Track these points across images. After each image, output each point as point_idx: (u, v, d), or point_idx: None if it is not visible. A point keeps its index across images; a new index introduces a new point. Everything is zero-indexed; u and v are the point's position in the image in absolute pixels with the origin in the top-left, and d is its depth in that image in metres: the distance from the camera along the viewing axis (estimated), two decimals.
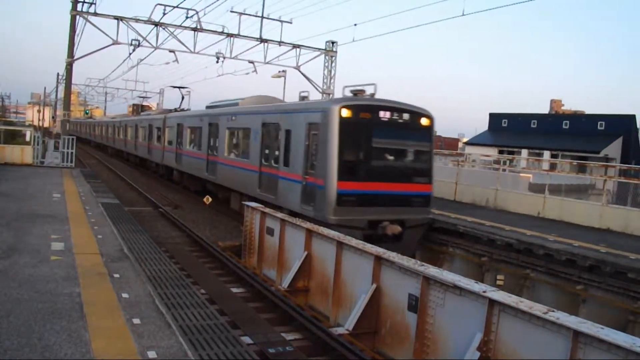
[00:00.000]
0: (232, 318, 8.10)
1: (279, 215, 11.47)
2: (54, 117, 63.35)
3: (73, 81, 26.76)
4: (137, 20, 24.44)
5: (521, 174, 20.01)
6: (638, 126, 46.25)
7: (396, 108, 12.35)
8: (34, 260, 7.31)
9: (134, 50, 25.34)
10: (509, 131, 51.10)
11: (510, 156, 33.74)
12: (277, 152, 14.23)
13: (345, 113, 11.70)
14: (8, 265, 7.01)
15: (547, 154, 42.85)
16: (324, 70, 28.87)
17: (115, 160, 40.95)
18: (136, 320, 5.40)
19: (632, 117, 46.07)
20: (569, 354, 5.27)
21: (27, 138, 22.88)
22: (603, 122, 45.43)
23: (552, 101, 72.54)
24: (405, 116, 12.42)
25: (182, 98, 30.07)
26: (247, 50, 27.50)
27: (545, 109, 70.25)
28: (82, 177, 18.88)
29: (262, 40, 26.76)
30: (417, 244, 13.03)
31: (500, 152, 45.20)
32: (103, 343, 4.81)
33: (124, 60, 28.31)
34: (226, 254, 12.34)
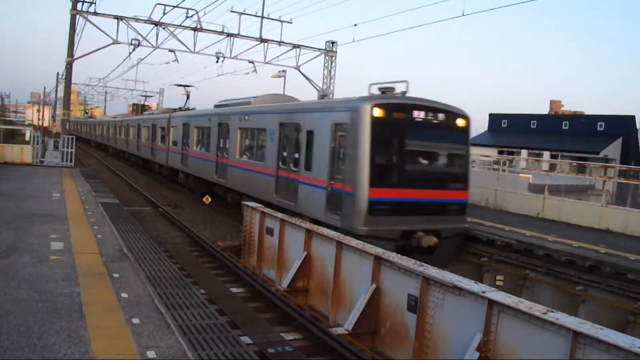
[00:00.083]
0: (232, 318, 8.09)
1: (279, 215, 11.45)
2: (53, 117, 63.35)
3: (73, 80, 26.79)
4: (137, 19, 24.43)
5: (521, 175, 20.01)
6: (638, 127, 46.27)
7: (431, 107, 11.38)
8: (34, 260, 7.31)
9: (133, 49, 25.34)
10: (509, 131, 51.08)
11: (510, 156, 33.74)
12: (296, 155, 13.26)
13: (377, 112, 10.70)
14: (7, 264, 7.01)
15: (546, 155, 42.86)
16: (323, 70, 28.87)
17: (116, 160, 40.89)
18: (135, 320, 5.40)
19: (632, 118, 46.08)
20: (569, 354, 5.27)
21: (27, 137, 22.86)
22: (603, 123, 45.43)
23: (552, 102, 72.49)
24: (441, 116, 11.44)
25: (187, 97, 29.31)
26: (247, 50, 27.53)
27: (545, 110, 70.25)
28: (82, 177, 18.88)
29: (262, 40, 26.76)
30: (452, 256, 12.03)
31: (500, 152, 45.16)
32: (102, 343, 4.81)
33: (124, 59, 28.32)
34: (226, 254, 12.33)
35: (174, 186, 25.07)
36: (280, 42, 27.35)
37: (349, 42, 29.69)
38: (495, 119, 54.10)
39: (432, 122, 11.36)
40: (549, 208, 15.67)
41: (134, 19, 24.35)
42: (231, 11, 25.79)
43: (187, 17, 24.45)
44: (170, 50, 26.40)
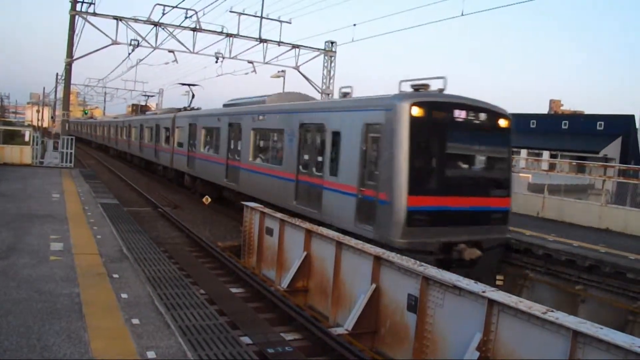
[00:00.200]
0: (232, 318, 8.09)
1: (278, 215, 11.44)
2: (53, 117, 63.33)
3: (72, 81, 26.80)
4: (136, 20, 24.44)
5: (520, 174, 20.00)
6: (637, 126, 46.28)
7: (473, 106, 10.48)
8: (33, 261, 7.30)
9: (133, 50, 25.35)
10: None
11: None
12: (320, 158, 12.25)
13: (416, 111, 9.75)
14: (7, 265, 7.00)
15: (546, 154, 42.87)
16: (323, 70, 28.88)
17: (116, 161, 40.83)
18: (135, 321, 5.40)
19: (631, 117, 46.10)
20: (568, 353, 5.28)
21: (26, 138, 22.86)
22: (602, 122, 45.46)
23: (552, 101, 72.58)
24: (482, 116, 10.55)
25: (192, 96, 28.50)
26: (247, 50, 27.54)
27: (544, 109, 70.29)
28: (82, 178, 18.87)
29: (261, 40, 26.76)
30: (493, 269, 11.12)
31: None
32: (102, 343, 4.81)
33: (123, 60, 28.31)
34: (226, 254, 12.33)
35: (174, 187, 25.05)
36: (279, 42, 27.36)
37: (348, 42, 29.69)
38: None
39: (473, 123, 10.46)
40: (548, 207, 15.68)
41: (133, 19, 24.37)
42: (230, 11, 25.82)
43: (186, 18, 24.48)
44: (170, 51, 26.41)
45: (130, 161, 37.26)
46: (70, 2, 23.62)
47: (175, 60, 27.63)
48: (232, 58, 27.12)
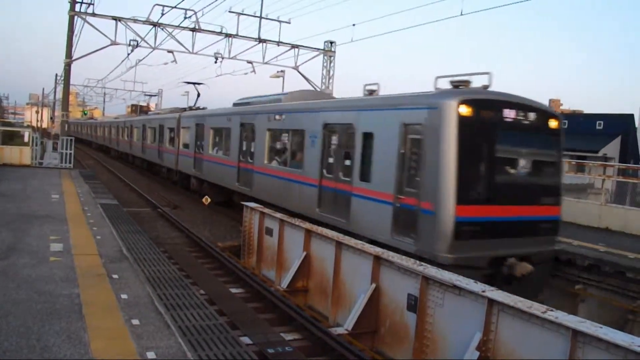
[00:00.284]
0: (232, 318, 8.09)
1: (278, 215, 11.44)
2: (52, 118, 63.30)
3: (71, 82, 26.81)
4: (135, 20, 24.45)
5: None
6: (637, 125, 46.34)
7: (523, 105, 9.58)
8: (33, 261, 7.31)
9: (132, 50, 25.35)
10: None
11: None
12: (347, 162, 11.26)
13: (465, 110, 8.80)
14: (7, 265, 7.00)
15: None
16: (322, 70, 28.90)
17: (116, 162, 40.80)
18: (135, 321, 5.40)
19: (631, 117, 46.14)
20: (568, 353, 5.28)
21: (26, 139, 22.86)
22: (602, 122, 45.51)
23: (551, 101, 72.60)
24: (531, 116, 9.64)
25: (198, 95, 27.64)
26: (246, 50, 27.59)
27: None
28: (81, 178, 18.88)
29: (260, 40, 26.77)
30: (543, 285, 10.19)
31: None
32: (102, 344, 4.81)
33: (123, 60, 28.31)
34: (225, 254, 12.33)
35: (173, 187, 25.04)
36: (278, 43, 27.38)
37: (347, 42, 29.76)
38: None
39: (522, 123, 9.55)
40: None
41: (132, 19, 24.38)
42: (229, 12, 25.85)
43: (185, 18, 24.49)
44: (169, 51, 26.43)
45: (132, 163, 36.59)
46: (70, 2, 23.63)
47: (175, 61, 27.68)
48: (232, 58, 27.14)
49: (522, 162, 10.14)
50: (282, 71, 30.69)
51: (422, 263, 7.65)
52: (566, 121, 48.44)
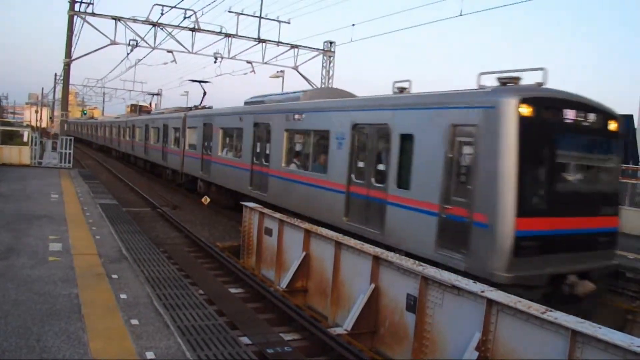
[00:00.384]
0: (231, 318, 8.09)
1: (277, 215, 11.43)
2: (51, 118, 63.31)
3: (71, 81, 26.78)
4: (134, 20, 24.47)
5: None
6: (635, 126, 46.32)
7: (582, 104, 8.62)
8: (32, 262, 7.31)
9: (131, 50, 25.39)
10: None
11: None
12: (381, 167, 10.32)
13: (526, 110, 7.83)
14: (6, 266, 7.00)
15: None
16: (322, 70, 28.91)
17: (116, 162, 40.77)
18: (134, 321, 5.41)
19: (630, 117, 46.12)
20: (567, 353, 5.28)
21: (25, 139, 22.88)
22: None
23: None
24: (591, 117, 8.69)
25: (204, 93, 26.42)
26: (245, 50, 27.62)
27: None
28: (80, 178, 18.89)
29: (260, 40, 26.80)
30: (599, 302, 9.23)
31: None
32: (101, 344, 4.81)
33: (122, 60, 28.38)
34: (225, 254, 12.33)
35: (173, 187, 25.03)
36: (278, 43, 27.41)
37: (347, 42, 29.81)
38: None
39: (582, 125, 8.60)
40: None
41: (131, 19, 24.40)
42: (229, 11, 25.90)
43: (185, 18, 24.53)
44: (169, 51, 26.48)
45: (134, 163, 35.88)
46: (69, 2, 23.65)
47: (174, 61, 27.72)
48: (231, 58, 27.18)
49: (581, 168, 9.25)
50: (281, 71, 30.73)
51: (422, 263, 7.65)
52: None
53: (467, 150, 8.45)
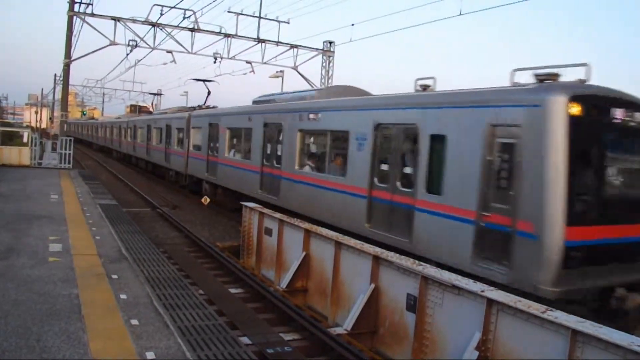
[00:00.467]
0: (231, 318, 8.09)
1: (277, 215, 11.42)
2: (51, 118, 63.32)
3: (70, 82, 26.77)
4: (134, 20, 24.46)
5: None
6: None
7: (630, 103, 7.97)
8: (32, 262, 7.31)
9: (131, 50, 25.39)
10: None
11: None
12: (408, 170, 9.64)
13: (576, 110, 7.19)
14: (6, 266, 7.01)
15: None
16: (321, 70, 28.91)
17: (116, 163, 40.77)
18: (134, 321, 5.41)
19: None
20: (567, 353, 5.28)
21: (25, 139, 22.88)
22: None
23: None
24: (638, 116, 7.96)
25: (209, 93, 26.31)
26: (245, 50, 27.59)
27: None
28: (80, 179, 18.90)
29: (259, 40, 26.79)
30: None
31: None
32: (101, 344, 4.81)
33: (122, 60, 28.46)
34: (225, 254, 12.33)
35: (173, 187, 25.02)
36: (277, 43, 27.40)
37: (346, 42, 29.82)
38: None
39: (629, 125, 7.89)
40: None
41: (131, 20, 24.39)
42: (228, 12, 25.89)
43: (184, 18, 24.53)
44: (168, 51, 26.47)
45: (135, 164, 35.34)
46: (69, 2, 23.65)
47: (174, 61, 27.69)
48: (231, 58, 27.17)
49: (631, 172, 8.58)
50: (281, 71, 30.70)
51: (422, 263, 7.65)
52: None
53: (508, 152, 7.73)
